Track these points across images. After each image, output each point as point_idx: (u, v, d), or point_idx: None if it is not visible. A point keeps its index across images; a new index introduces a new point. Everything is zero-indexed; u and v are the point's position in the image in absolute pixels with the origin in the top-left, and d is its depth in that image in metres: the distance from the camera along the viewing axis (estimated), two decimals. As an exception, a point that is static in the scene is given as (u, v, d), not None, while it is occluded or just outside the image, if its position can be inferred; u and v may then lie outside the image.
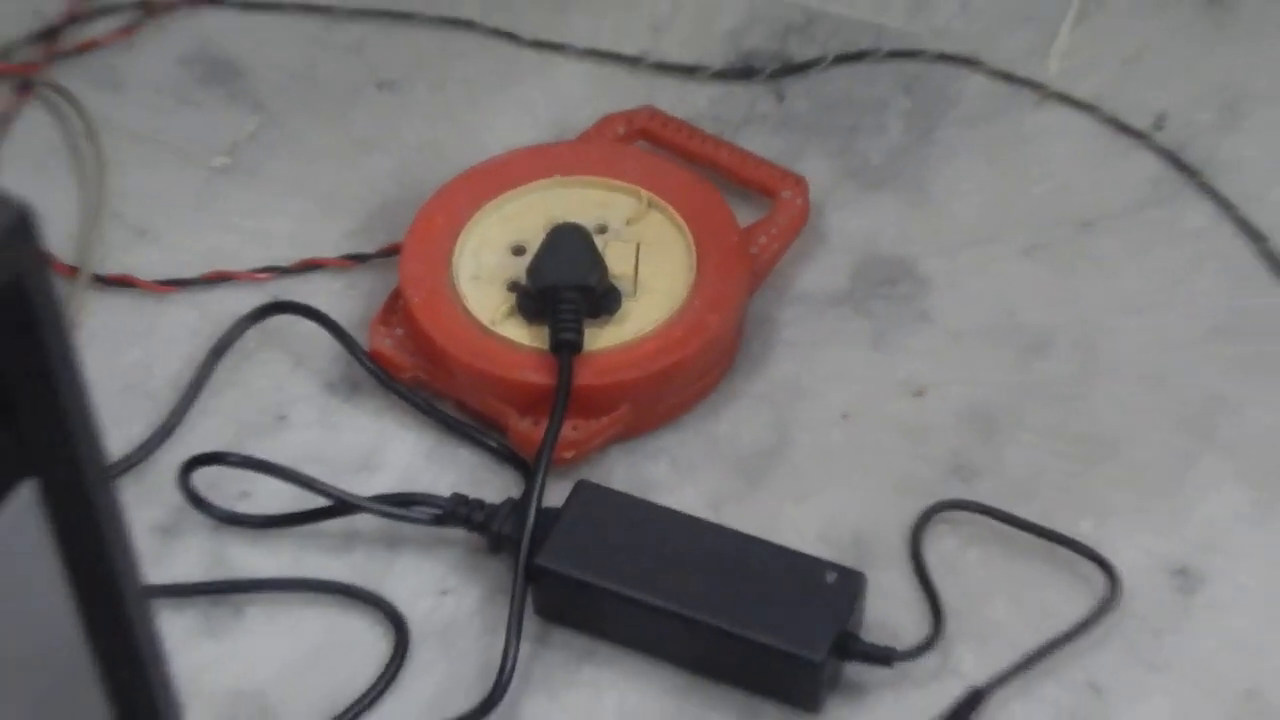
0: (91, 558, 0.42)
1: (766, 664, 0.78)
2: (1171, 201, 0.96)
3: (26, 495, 0.40)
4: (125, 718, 0.46)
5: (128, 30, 1.02)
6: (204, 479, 0.84)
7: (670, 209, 0.91)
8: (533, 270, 0.87)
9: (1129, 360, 0.90)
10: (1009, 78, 1.00)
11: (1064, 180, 0.97)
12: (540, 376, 0.85)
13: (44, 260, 0.37)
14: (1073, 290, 0.92)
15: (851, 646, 0.78)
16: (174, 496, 0.83)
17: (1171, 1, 1.04)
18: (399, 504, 0.83)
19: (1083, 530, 0.83)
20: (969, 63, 1.01)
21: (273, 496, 0.84)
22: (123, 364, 0.90)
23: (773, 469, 0.86)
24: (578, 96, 1.00)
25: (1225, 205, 0.95)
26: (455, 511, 0.82)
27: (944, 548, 0.83)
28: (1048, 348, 0.90)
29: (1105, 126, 0.98)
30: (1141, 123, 0.98)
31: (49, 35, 1.02)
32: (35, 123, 0.99)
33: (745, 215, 0.92)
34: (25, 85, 1.00)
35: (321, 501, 0.83)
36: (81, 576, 0.42)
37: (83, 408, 0.41)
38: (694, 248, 0.89)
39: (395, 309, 0.89)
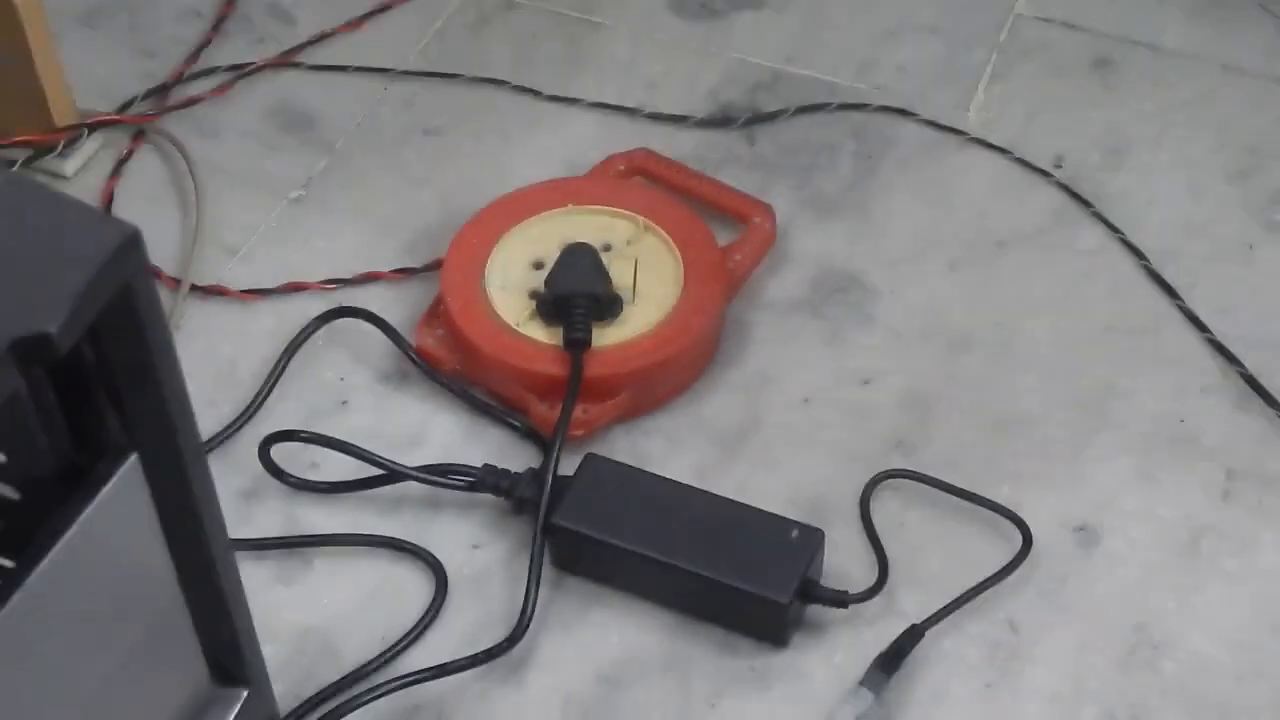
0: (186, 521, 0.40)
1: (742, 606, 0.76)
2: (1069, 226, 0.94)
3: (131, 468, 0.38)
4: (213, 655, 0.44)
5: (223, 88, 1.01)
6: (280, 453, 0.82)
7: (662, 232, 0.89)
8: (550, 281, 0.85)
9: (1036, 354, 0.88)
10: (937, 126, 0.99)
11: (982, 209, 0.95)
12: (556, 368, 0.83)
13: (148, 272, 0.35)
14: (990, 297, 0.91)
15: (812, 591, 0.77)
16: (255, 467, 0.81)
17: (1067, 66, 1.03)
18: (439, 473, 0.82)
19: (1002, 494, 0.81)
20: (905, 114, 0.99)
21: (336, 467, 0.83)
22: (215, 358, 0.88)
23: (746, 444, 0.85)
24: (587, 140, 0.98)
25: (1112, 229, 0.93)
26: (485, 479, 0.81)
27: (888, 509, 0.81)
28: (970, 344, 0.89)
29: (1015, 165, 0.97)
30: (1044, 163, 0.97)
31: (160, 92, 1.01)
32: (148, 163, 0.98)
33: (724, 236, 0.90)
34: (140, 133, 0.99)
35: (376, 471, 0.81)
36: (177, 537, 0.40)
37: (179, 395, 0.39)
38: (682, 263, 0.87)
39: (437, 313, 0.88)
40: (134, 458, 0.38)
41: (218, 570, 0.41)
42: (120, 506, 0.38)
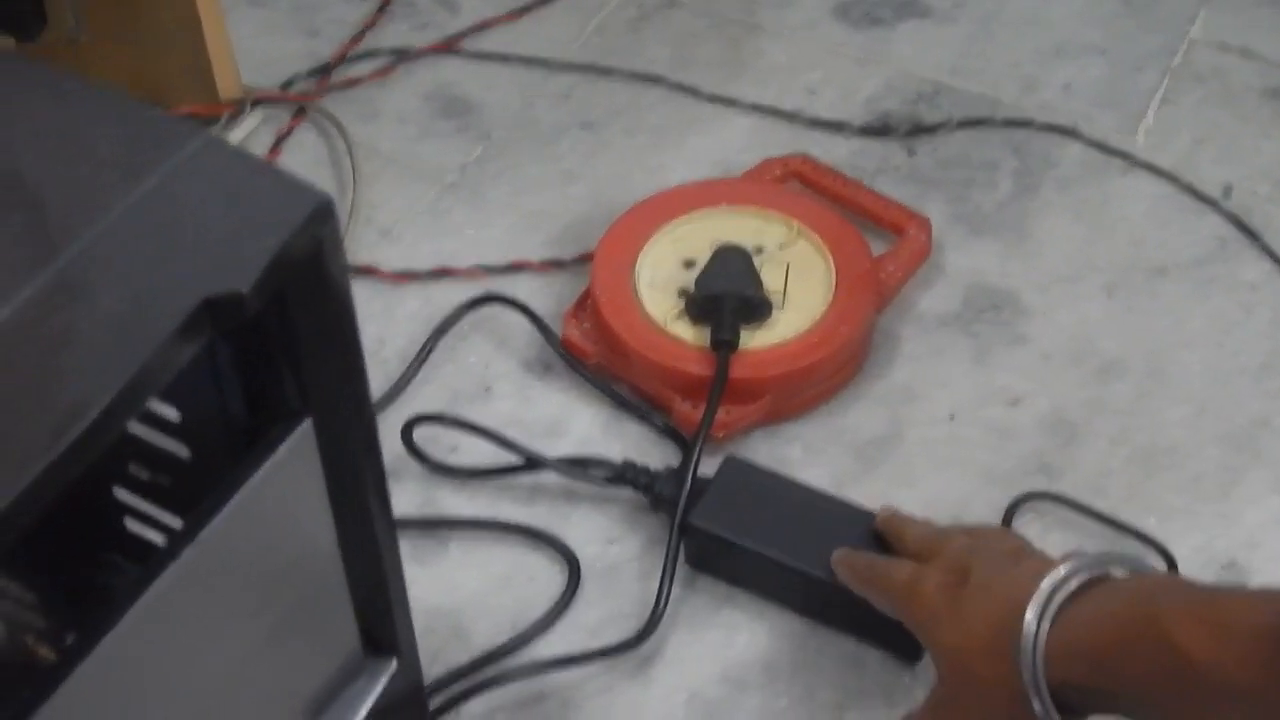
0: (352, 488, 0.41)
1: (874, 618, 0.76)
2: (1233, 258, 0.93)
3: (304, 433, 0.39)
4: (366, 625, 0.45)
5: (384, 71, 1.03)
6: (422, 435, 0.83)
7: (816, 238, 0.89)
8: (700, 281, 0.86)
9: (1188, 386, 0.87)
10: (1102, 147, 0.98)
11: (1142, 234, 0.94)
12: (701, 368, 0.84)
13: (338, 239, 0.36)
14: (1144, 325, 0.90)
15: (947, 608, 0.76)
16: (397, 447, 0.83)
17: (1239, 92, 1.01)
18: (578, 465, 0.83)
19: (1147, 525, 0.81)
20: (1069, 133, 0.99)
21: (476, 453, 0.84)
22: (363, 338, 0.89)
23: (887, 457, 0.85)
24: (743, 143, 0.99)
25: (1278, 263, 0.92)
26: (624, 474, 0.82)
27: (1030, 531, 0.81)
28: (1121, 371, 0.88)
29: (1180, 192, 0.96)
30: (1212, 191, 0.96)
31: (322, 72, 1.03)
32: (307, 141, 1.00)
33: (877, 247, 0.90)
34: (301, 110, 1.01)
35: (515, 459, 0.83)
36: (343, 503, 0.41)
37: (357, 362, 0.40)
38: (834, 271, 0.88)
39: (585, 306, 0.89)
40: (308, 422, 0.39)
41: (379, 539, 0.42)
42: (291, 471, 0.39)
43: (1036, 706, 0.60)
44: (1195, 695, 0.55)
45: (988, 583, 0.65)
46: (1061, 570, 0.61)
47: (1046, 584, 0.61)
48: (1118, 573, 0.62)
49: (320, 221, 0.35)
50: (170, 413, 0.41)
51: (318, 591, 0.43)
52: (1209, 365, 0.88)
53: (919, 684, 0.76)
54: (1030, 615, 0.60)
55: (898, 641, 0.77)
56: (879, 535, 0.77)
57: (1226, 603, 0.56)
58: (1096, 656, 0.59)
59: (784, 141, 0.98)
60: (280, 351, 0.38)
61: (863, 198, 0.93)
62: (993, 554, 0.67)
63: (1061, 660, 0.59)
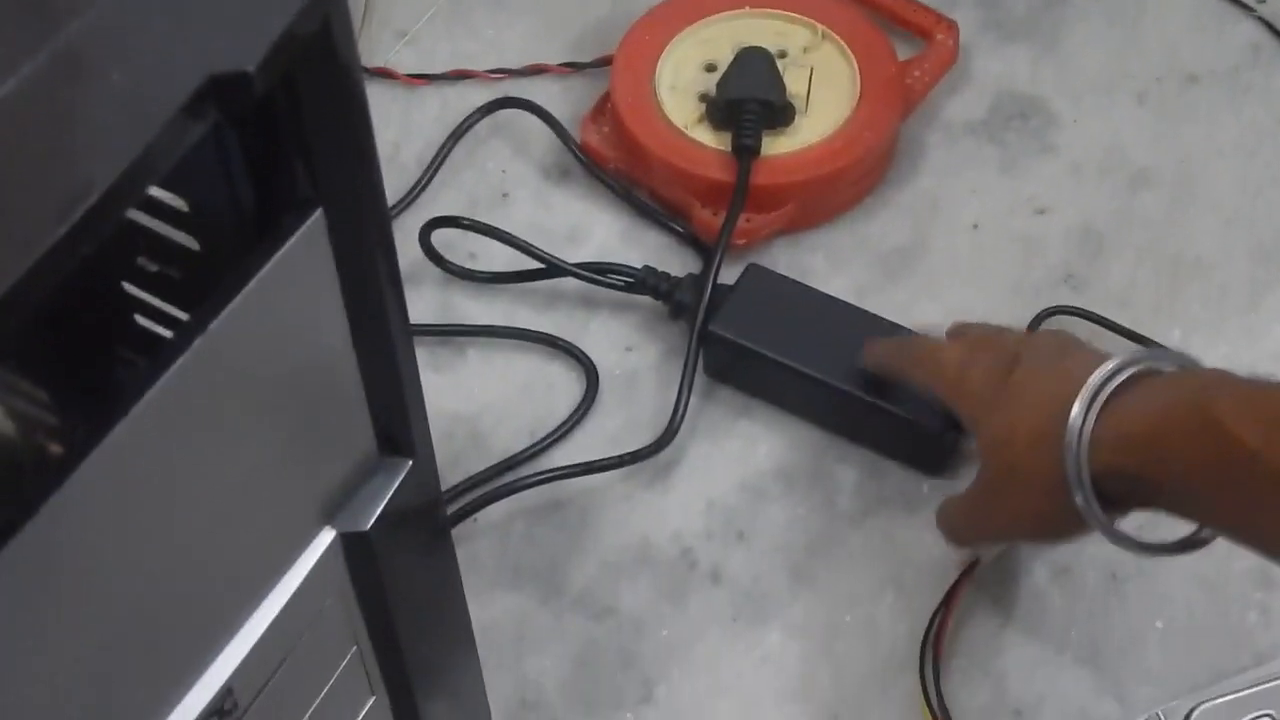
0: (365, 282, 0.40)
1: (895, 430, 0.76)
2: (1267, 65, 0.90)
3: (316, 223, 0.38)
4: (381, 424, 0.44)
5: None
6: (440, 239, 0.82)
7: (841, 41, 0.86)
8: (722, 85, 0.84)
9: (1218, 197, 0.85)
10: (1137, -49, 0.95)
11: (1176, 41, 0.91)
12: (722, 174, 0.82)
13: (347, 18, 0.34)
14: (1176, 134, 0.88)
15: (967, 420, 0.76)
16: (414, 251, 0.81)
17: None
18: (599, 271, 0.81)
19: (1172, 339, 0.79)
20: (1104, -64, 0.96)
21: (494, 259, 0.83)
22: (379, 142, 0.87)
23: (910, 267, 0.83)
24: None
25: (1314, 72, 0.90)
26: (645, 280, 0.80)
27: (1053, 343, 0.79)
28: (1151, 181, 0.86)
29: (1216, -2, 0.93)
30: (1247, -3, 0.93)
31: None
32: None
33: (903, 51, 0.88)
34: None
35: (534, 265, 0.81)
36: (355, 297, 0.40)
37: (369, 149, 0.38)
38: (858, 76, 0.85)
39: (604, 110, 0.87)
40: (319, 212, 0.38)
41: (393, 335, 0.41)
42: (302, 262, 0.38)
43: (1078, 499, 0.59)
44: (1244, 484, 0.54)
45: (1036, 372, 0.64)
46: (1110, 364, 0.60)
47: (1096, 376, 0.60)
48: (1168, 368, 0.61)
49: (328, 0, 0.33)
50: (179, 203, 0.40)
51: (332, 389, 0.42)
52: (1240, 176, 0.86)
53: (938, 494, 0.76)
54: (1077, 407, 0.59)
55: (917, 454, 0.77)
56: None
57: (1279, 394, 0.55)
58: (1144, 444, 0.58)
59: (810, -57, 0.95)
60: (290, 138, 0.37)
61: (889, 0, 0.91)
62: (1043, 346, 0.66)
63: (1108, 448, 0.58)
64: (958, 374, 0.68)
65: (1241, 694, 0.66)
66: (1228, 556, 0.73)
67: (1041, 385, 0.62)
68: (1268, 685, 0.67)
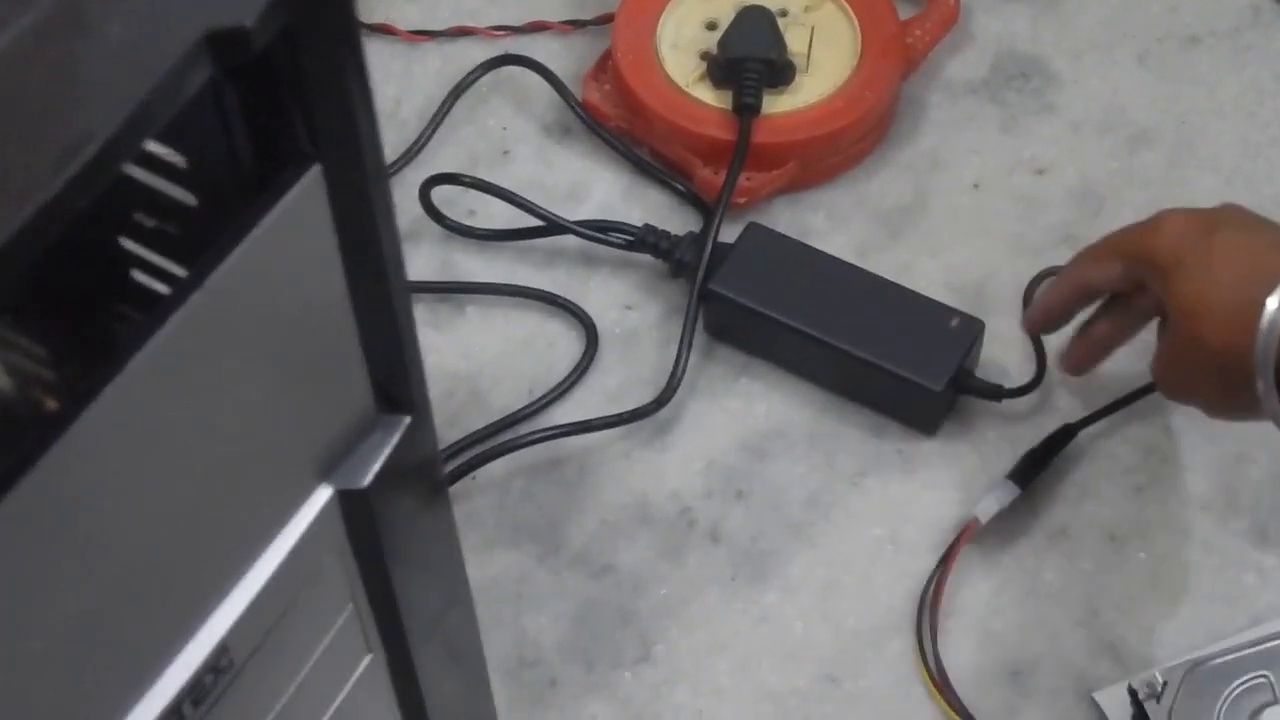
0: (364, 239, 0.39)
1: (894, 389, 0.75)
2: (1267, 26, 0.90)
3: (314, 179, 0.37)
4: (380, 381, 0.44)
5: None
6: (440, 196, 0.81)
7: (842, 0, 0.86)
8: (723, 43, 0.83)
9: (1219, 157, 0.85)
10: (1138, -90, 0.94)
11: (1176, 1, 0.91)
12: (723, 132, 0.81)
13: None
14: (1176, 94, 0.87)
15: (967, 382, 0.76)
16: (414, 208, 0.81)
17: None
18: (599, 229, 0.81)
19: (1172, 298, 0.79)
20: (1106, -106, 0.95)
21: (494, 216, 0.82)
22: (379, 98, 0.86)
23: (911, 225, 0.83)
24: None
25: (1316, 33, 0.89)
26: (645, 239, 0.80)
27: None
28: (1151, 141, 0.85)
29: (1218, -43, 0.92)
30: (1250, -44, 0.92)
31: None
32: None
33: (904, 10, 0.87)
34: None
35: (535, 222, 0.81)
36: (354, 254, 0.39)
37: (367, 105, 0.38)
38: (859, 35, 0.85)
39: (605, 68, 0.86)
40: (317, 168, 0.37)
41: (391, 291, 0.40)
42: (300, 218, 0.38)
43: (1260, 385, 0.59)
44: None
45: (1236, 245, 0.62)
46: None
47: None
48: None
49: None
50: (177, 159, 0.40)
51: (329, 346, 0.42)
52: (1240, 136, 0.86)
53: (937, 453, 0.76)
54: (1276, 300, 0.58)
55: (916, 415, 0.76)
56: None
57: None
58: None
59: (812, -100, 0.94)
60: (289, 94, 0.36)
61: (891, -41, 0.90)
62: (1243, 220, 0.64)
63: None
64: (1155, 222, 0.65)
65: (1238, 655, 0.66)
66: (1225, 518, 0.73)
67: (1239, 261, 0.61)
68: (1264, 647, 0.67)
